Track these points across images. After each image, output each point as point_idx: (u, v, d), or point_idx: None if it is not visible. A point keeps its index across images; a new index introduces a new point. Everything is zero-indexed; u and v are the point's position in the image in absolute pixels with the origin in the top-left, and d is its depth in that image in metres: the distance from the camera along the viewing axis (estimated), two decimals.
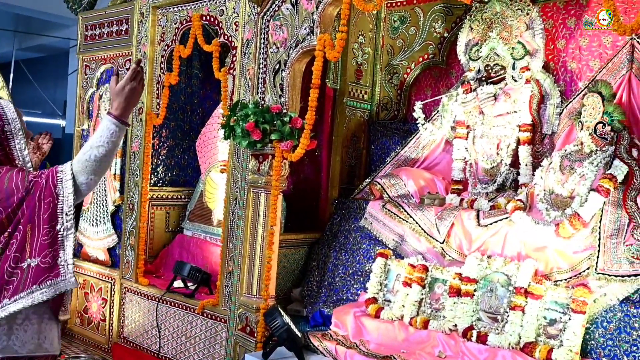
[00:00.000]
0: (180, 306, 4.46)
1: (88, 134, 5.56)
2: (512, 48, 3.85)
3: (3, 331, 2.18)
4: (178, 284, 4.59)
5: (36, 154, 2.68)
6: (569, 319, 2.95)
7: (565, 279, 3.13)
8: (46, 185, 2.17)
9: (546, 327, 3.03)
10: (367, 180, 4.33)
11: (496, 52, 3.89)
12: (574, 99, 3.66)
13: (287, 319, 3.32)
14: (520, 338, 3.04)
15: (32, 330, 2.23)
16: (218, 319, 4.17)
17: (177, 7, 4.65)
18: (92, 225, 5.39)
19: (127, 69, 5.04)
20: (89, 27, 5.51)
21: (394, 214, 3.89)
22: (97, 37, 5.44)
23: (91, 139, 2.21)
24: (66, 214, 2.17)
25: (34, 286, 2.14)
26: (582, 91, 3.60)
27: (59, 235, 2.18)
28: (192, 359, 4.38)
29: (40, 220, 2.16)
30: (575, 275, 3.11)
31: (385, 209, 3.95)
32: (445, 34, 4.39)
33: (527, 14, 3.83)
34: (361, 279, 3.88)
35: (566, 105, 3.70)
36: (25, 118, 2.39)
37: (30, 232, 2.16)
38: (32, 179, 2.18)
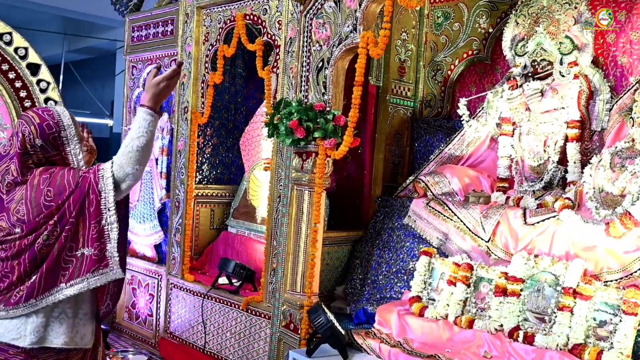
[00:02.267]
0: (225, 302, 4.52)
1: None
2: (560, 43, 3.78)
3: (41, 323, 2.32)
4: (223, 280, 4.66)
5: (87, 152, 2.80)
6: (620, 320, 2.89)
7: (616, 280, 3.06)
8: (92, 181, 2.31)
9: (596, 328, 2.97)
10: (410, 177, 4.31)
11: (543, 47, 3.83)
12: (624, 94, 3.57)
13: (330, 317, 3.33)
14: (568, 339, 2.99)
15: (67, 324, 2.36)
16: (262, 315, 4.21)
17: (221, 7, 4.70)
18: (140, 222, 5.50)
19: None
20: (135, 29, 5.63)
21: (438, 211, 3.86)
22: (143, 38, 5.54)
23: (130, 131, 2.35)
24: (108, 209, 2.32)
25: (88, 274, 2.33)
26: (633, 86, 3.51)
27: (105, 230, 2.34)
28: (236, 354, 4.44)
29: (89, 213, 2.32)
30: (626, 276, 3.04)
31: (429, 206, 3.92)
32: (490, 30, 4.34)
33: (575, 7, 3.76)
34: (405, 277, 3.87)
35: (616, 101, 3.61)
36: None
37: (82, 224, 2.33)
38: (81, 174, 2.33)
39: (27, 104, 5.15)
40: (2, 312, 2.29)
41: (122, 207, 2.43)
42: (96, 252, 2.33)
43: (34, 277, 2.30)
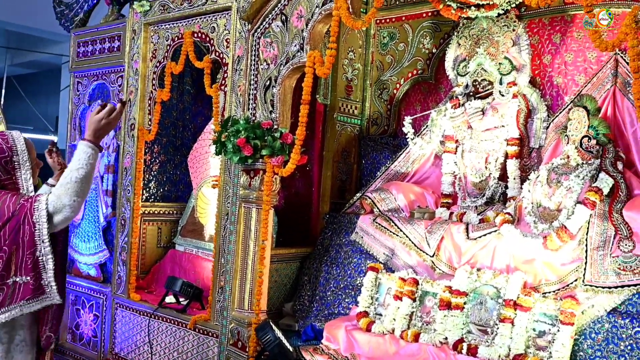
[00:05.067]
0: (172, 321, 4.45)
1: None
2: (499, 64, 3.90)
3: (2, 350, 2.35)
4: (170, 299, 4.58)
5: (57, 169, 2.83)
6: (558, 330, 2.98)
7: (554, 291, 3.16)
8: (27, 212, 2.32)
9: (535, 339, 3.04)
10: (357, 194, 4.36)
11: (483, 68, 3.94)
12: (560, 113, 3.71)
13: (278, 334, 3.33)
14: (510, 350, 3.06)
15: (2, 349, 2.38)
16: (210, 334, 4.17)
17: (169, 24, 4.69)
18: (84, 241, 5.38)
19: (120, 86, 5.08)
20: (81, 44, 5.54)
21: (385, 227, 3.91)
22: (89, 54, 5.46)
23: (70, 164, 2.39)
24: (42, 242, 2.34)
25: (22, 301, 2.34)
26: (568, 105, 3.64)
27: (39, 260, 2.36)
28: None
29: (24, 243, 2.33)
30: (563, 287, 3.14)
31: (376, 223, 3.97)
32: (434, 50, 4.43)
33: (514, 30, 3.89)
34: (352, 292, 3.89)
35: (553, 120, 3.75)
36: None
37: (16, 253, 2.33)
38: (21, 202, 2.34)
39: None
40: None
41: (62, 236, 2.43)
42: (32, 281, 2.35)
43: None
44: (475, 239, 3.51)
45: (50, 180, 2.81)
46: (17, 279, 2.32)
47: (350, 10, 3.33)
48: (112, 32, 5.21)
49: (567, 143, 3.43)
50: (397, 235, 3.84)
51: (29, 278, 2.32)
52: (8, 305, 2.30)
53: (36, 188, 2.55)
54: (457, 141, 4.06)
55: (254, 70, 3.89)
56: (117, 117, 2.47)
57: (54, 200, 2.30)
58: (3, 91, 11.99)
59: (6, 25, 9.95)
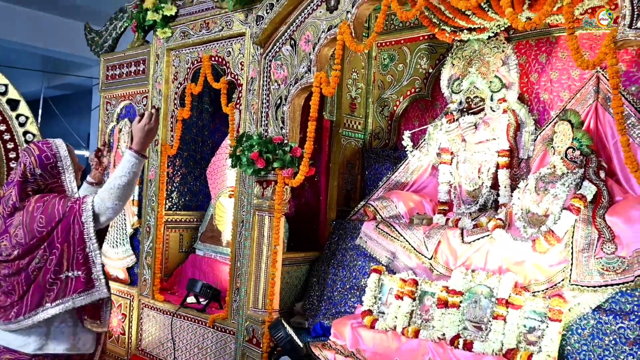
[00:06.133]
0: (193, 320, 4.46)
1: (109, 164, 5.59)
2: (490, 82, 3.90)
3: (43, 332, 2.36)
4: (191, 299, 4.59)
5: (98, 170, 2.83)
6: (547, 326, 2.97)
7: (542, 290, 3.15)
8: (77, 213, 2.37)
9: (526, 334, 3.03)
10: (361, 202, 4.35)
11: (475, 86, 3.94)
12: (546, 126, 3.70)
13: (290, 331, 3.33)
14: (502, 345, 3.05)
15: (68, 332, 2.41)
16: (227, 331, 4.17)
17: (188, 49, 4.73)
18: (113, 246, 5.40)
19: (144, 105, 5.12)
20: (109, 68, 5.59)
21: (386, 233, 3.91)
22: (117, 77, 5.51)
23: (116, 170, 2.42)
24: (90, 239, 2.38)
25: (74, 294, 2.39)
26: (553, 119, 3.63)
27: (89, 256, 2.41)
28: None
29: (74, 241, 2.37)
30: (551, 287, 3.13)
31: (379, 228, 3.97)
32: (430, 70, 4.44)
33: (503, 51, 3.89)
34: (357, 293, 3.89)
35: (540, 132, 3.73)
36: None
37: (67, 250, 2.38)
38: (69, 204, 2.38)
39: (7, 136, 5.04)
40: (2, 326, 2.33)
41: (102, 236, 2.47)
42: (83, 275, 2.38)
43: (25, 297, 2.33)
44: (469, 242, 3.51)
45: (89, 178, 2.82)
46: (70, 274, 2.37)
47: (353, 34, 3.35)
48: (137, 57, 5.26)
49: (553, 154, 3.43)
50: (398, 240, 3.83)
51: (80, 272, 2.36)
52: (62, 298, 2.33)
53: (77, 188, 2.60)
54: (452, 153, 4.06)
55: (265, 90, 3.91)
56: (157, 122, 2.50)
57: (99, 202, 2.35)
58: (40, 111, 12.10)
59: (43, 51, 10.06)
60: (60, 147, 2.48)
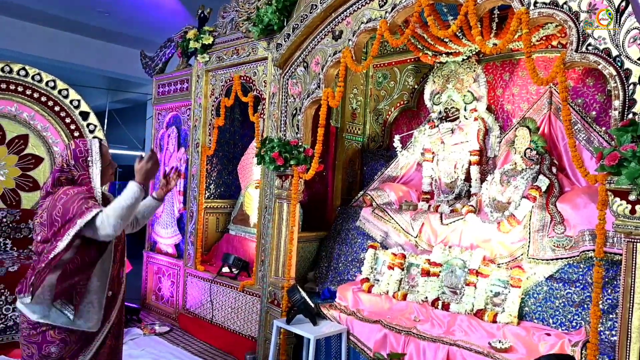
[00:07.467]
0: (227, 286, 4.49)
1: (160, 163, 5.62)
2: (464, 95, 3.88)
3: (46, 306, 2.15)
4: (225, 269, 4.62)
5: (164, 190, 2.58)
6: (509, 292, 2.97)
7: (506, 263, 3.15)
8: (79, 215, 2.12)
9: (492, 298, 3.04)
10: (361, 192, 4.35)
11: (452, 99, 3.93)
12: (509, 131, 3.68)
13: (303, 294, 3.34)
14: (473, 306, 3.06)
15: (69, 310, 2.18)
16: (254, 294, 4.20)
17: (223, 70, 4.74)
18: (164, 228, 5.44)
19: (188, 116, 5.12)
20: (160, 85, 5.61)
21: (381, 216, 3.91)
22: (166, 93, 5.53)
23: (122, 195, 2.21)
24: (69, 235, 2.08)
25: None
26: (515, 126, 3.62)
27: (62, 233, 2.10)
28: (236, 324, 4.40)
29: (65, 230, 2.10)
30: (512, 260, 3.13)
31: (374, 213, 3.97)
32: (416, 86, 4.43)
33: (474, 70, 3.87)
34: (357, 264, 3.90)
35: (504, 136, 3.72)
36: (114, 151, 2.41)
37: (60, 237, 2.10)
38: (84, 208, 2.12)
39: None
40: (24, 299, 2.08)
41: (120, 246, 2.31)
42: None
43: (38, 275, 2.08)
44: (447, 224, 3.50)
45: (154, 194, 2.53)
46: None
47: (354, 58, 3.34)
48: (182, 77, 5.28)
49: (515, 153, 3.41)
50: (390, 222, 3.83)
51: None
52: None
53: (112, 185, 2.30)
54: (433, 153, 4.05)
55: (284, 102, 3.91)
56: (155, 162, 2.32)
57: (104, 217, 2.12)
58: (105, 120, 12.16)
59: (107, 73, 10.12)
60: (94, 145, 2.31)
